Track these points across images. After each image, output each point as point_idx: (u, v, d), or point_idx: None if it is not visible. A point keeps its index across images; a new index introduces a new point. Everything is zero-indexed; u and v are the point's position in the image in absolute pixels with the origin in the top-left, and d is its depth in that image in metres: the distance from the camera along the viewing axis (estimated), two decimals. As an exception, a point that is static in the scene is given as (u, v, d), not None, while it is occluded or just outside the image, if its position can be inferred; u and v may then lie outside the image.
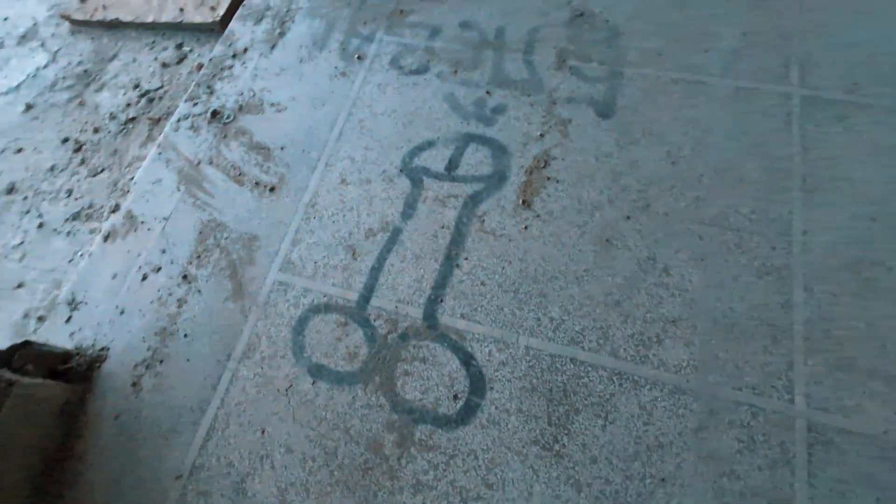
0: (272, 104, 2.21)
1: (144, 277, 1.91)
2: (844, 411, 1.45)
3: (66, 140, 2.41)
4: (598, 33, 2.19)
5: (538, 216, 1.83)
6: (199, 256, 1.92)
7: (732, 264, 1.68)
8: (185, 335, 1.79)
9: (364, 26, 2.37)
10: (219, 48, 2.40)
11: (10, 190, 2.32)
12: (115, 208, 2.07)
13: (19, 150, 2.42)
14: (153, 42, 2.63)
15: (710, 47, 2.07)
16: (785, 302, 1.60)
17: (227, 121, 2.18)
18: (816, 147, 1.82)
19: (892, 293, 1.57)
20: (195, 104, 2.26)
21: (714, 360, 1.56)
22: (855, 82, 1.91)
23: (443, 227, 1.86)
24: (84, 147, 2.37)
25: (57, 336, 1.84)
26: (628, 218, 1.79)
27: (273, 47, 2.37)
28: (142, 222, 2.02)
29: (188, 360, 1.75)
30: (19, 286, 2.08)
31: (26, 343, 1.62)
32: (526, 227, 1.82)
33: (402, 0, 2.41)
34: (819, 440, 1.43)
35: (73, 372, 1.73)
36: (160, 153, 2.15)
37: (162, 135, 2.21)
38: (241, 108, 2.22)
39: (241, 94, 2.26)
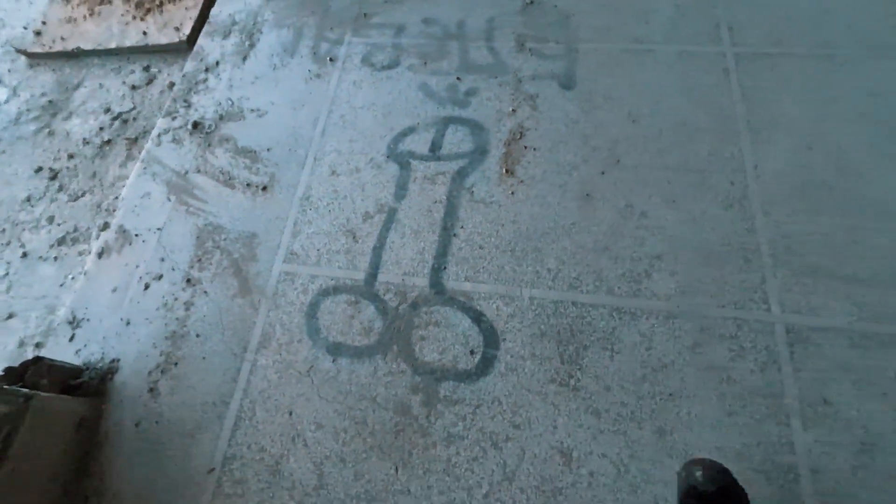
0: (252, 110, 2.28)
1: (147, 287, 1.91)
2: (814, 311, 1.65)
3: (39, 169, 2.38)
4: (549, 17, 2.39)
5: (522, 181, 1.98)
6: (199, 260, 1.95)
7: (700, 201, 1.87)
8: (197, 335, 1.81)
9: (331, 31, 2.48)
10: (190, 64, 2.45)
11: (-15, 226, 2.26)
12: (105, 226, 2.06)
13: (-12, 186, 2.37)
14: (118, 67, 2.64)
15: (650, 20, 2.31)
16: (749, 227, 1.80)
17: (209, 130, 2.23)
18: (754, 94, 2.06)
19: (836, 206, 1.80)
20: (174, 118, 2.30)
21: (697, 284, 1.73)
22: (778, 36, 2.18)
23: (436, 203, 1.97)
24: (60, 174, 2.35)
25: (61, 356, 1.81)
26: (603, 173, 1.97)
27: (245, 58, 2.45)
28: (136, 235, 2.03)
29: (204, 358, 1.77)
30: (10, 317, 2.03)
31: (38, 359, 1.60)
32: (513, 193, 1.96)
33: (364, 4, 2.54)
34: (797, 339, 1.61)
35: (86, 386, 1.71)
36: (145, 168, 2.17)
37: (144, 151, 2.23)
38: (221, 118, 2.27)
39: (220, 104, 2.31)
